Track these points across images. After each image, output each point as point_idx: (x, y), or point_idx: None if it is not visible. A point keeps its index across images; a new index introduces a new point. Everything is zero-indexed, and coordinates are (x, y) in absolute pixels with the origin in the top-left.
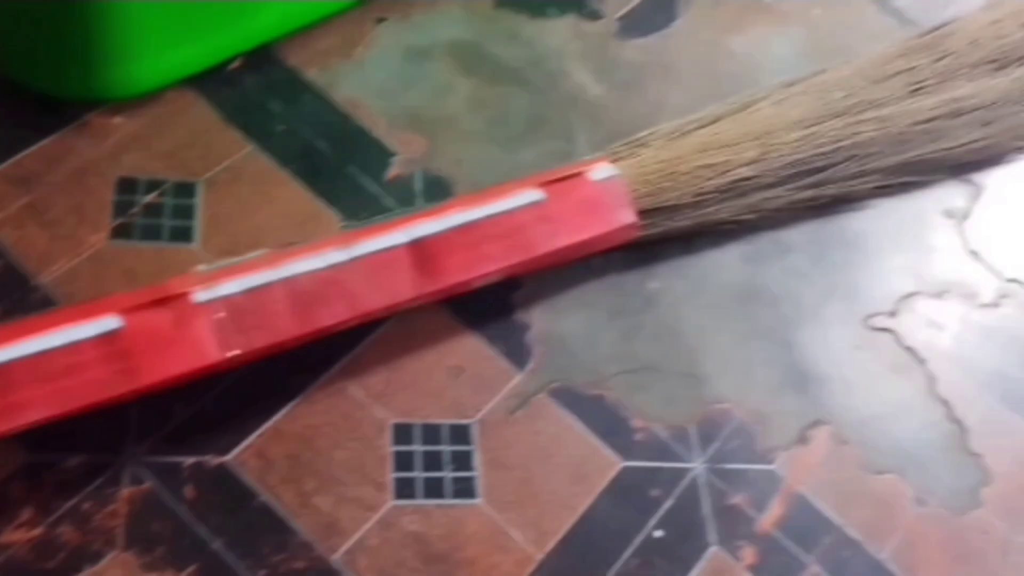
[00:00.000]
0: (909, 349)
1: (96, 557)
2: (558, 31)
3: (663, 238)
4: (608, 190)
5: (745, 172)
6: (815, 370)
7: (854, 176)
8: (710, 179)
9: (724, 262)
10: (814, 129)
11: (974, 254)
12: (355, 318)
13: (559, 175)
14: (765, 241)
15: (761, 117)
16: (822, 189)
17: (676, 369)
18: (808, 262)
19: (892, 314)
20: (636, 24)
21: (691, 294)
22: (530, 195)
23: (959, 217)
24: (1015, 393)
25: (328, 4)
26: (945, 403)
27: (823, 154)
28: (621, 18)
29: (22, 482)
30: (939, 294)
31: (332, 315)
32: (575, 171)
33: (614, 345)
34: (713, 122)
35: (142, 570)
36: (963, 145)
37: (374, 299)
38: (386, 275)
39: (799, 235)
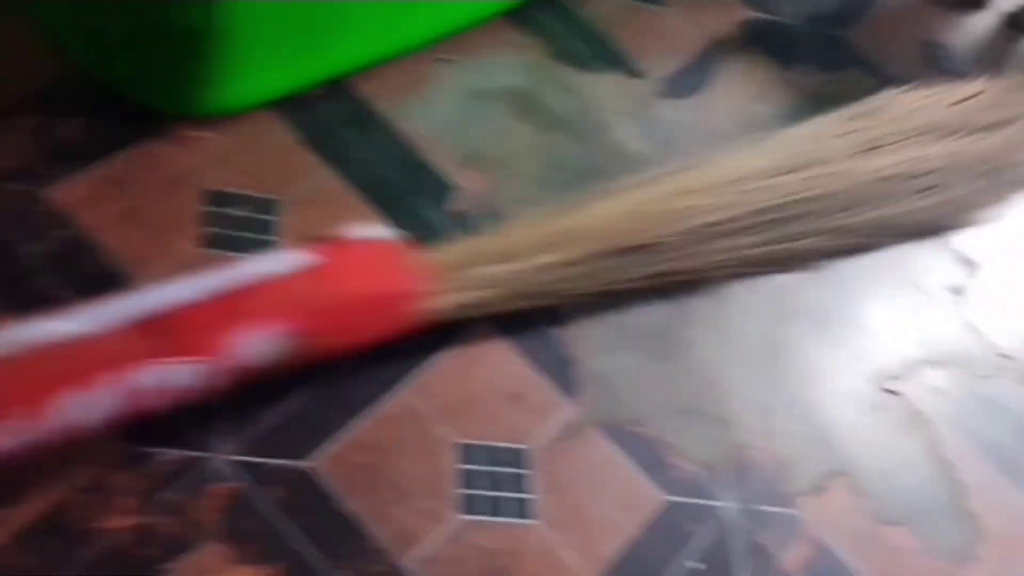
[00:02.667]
0: (916, 412)
1: (192, 547)
2: (604, 86)
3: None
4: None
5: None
6: (836, 425)
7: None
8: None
9: (753, 315)
10: (772, 181)
11: (971, 327)
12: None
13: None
14: (790, 297)
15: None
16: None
17: (710, 412)
18: (821, 321)
19: (900, 378)
20: (675, 86)
21: (723, 343)
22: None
23: (956, 291)
24: (1009, 460)
25: (404, 40)
26: (947, 464)
27: (779, 206)
28: (662, 79)
29: (125, 473)
30: (942, 363)
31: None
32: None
33: (655, 385)
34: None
35: (235, 562)
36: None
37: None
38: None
39: (817, 293)
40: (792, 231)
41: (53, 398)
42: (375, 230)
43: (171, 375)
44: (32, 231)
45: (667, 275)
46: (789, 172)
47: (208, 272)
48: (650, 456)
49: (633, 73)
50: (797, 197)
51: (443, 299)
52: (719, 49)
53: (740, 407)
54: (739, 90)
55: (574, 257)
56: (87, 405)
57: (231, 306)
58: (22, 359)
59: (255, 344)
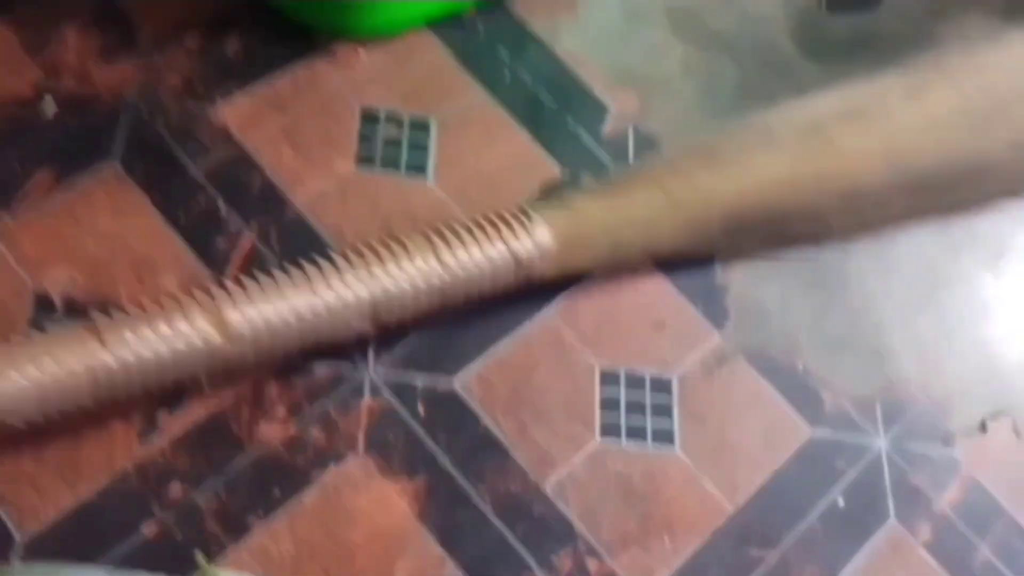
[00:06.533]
0: None
1: (339, 458)
2: (769, 2)
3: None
4: None
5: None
6: (1001, 363)
7: None
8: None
9: (919, 249)
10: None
11: None
12: None
13: None
14: (960, 231)
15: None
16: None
17: (866, 346)
18: (994, 252)
19: None
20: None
21: (884, 276)
22: None
23: None
24: None
25: None
26: None
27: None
28: None
29: (278, 383)
30: None
31: None
32: None
33: (808, 316)
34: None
35: (379, 474)
36: None
37: None
38: None
39: (991, 226)
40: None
41: None
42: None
43: None
44: (198, 147)
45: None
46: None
47: None
48: (799, 388)
49: None
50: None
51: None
52: None
53: (898, 341)
54: (915, 2)
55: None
56: None
57: None
58: None
59: None
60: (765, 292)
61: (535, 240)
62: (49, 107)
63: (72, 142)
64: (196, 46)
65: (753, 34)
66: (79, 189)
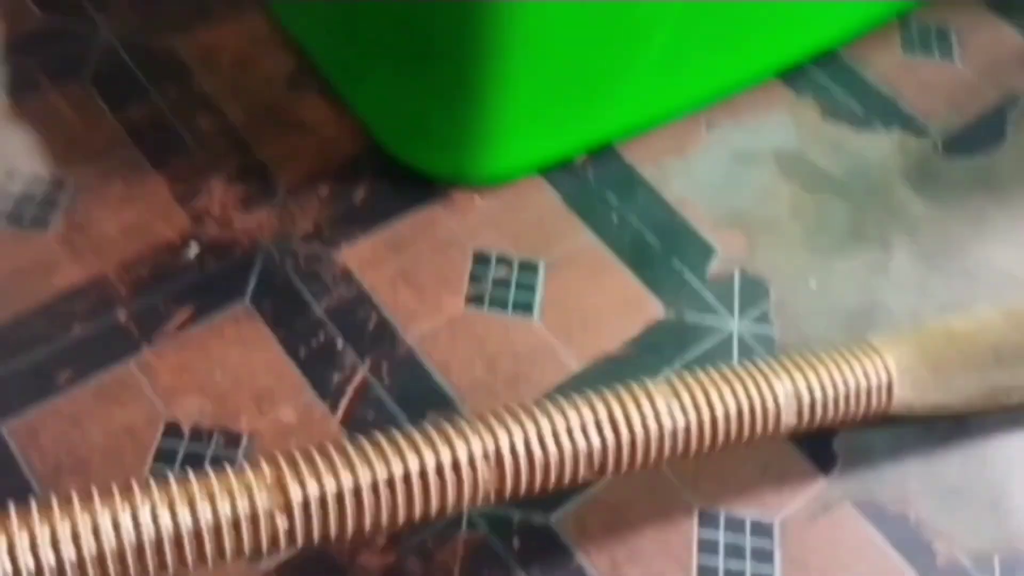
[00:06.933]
0: None
1: None
2: (882, 145)
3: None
4: None
5: None
6: None
7: None
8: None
9: None
10: None
11: None
12: None
13: None
14: None
15: None
16: None
17: (983, 496)
18: None
19: None
20: (962, 143)
21: (1003, 422)
22: None
23: None
24: None
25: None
26: None
27: None
28: (947, 136)
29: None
30: None
31: None
32: None
33: (920, 463)
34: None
35: None
36: None
37: None
38: None
39: None
40: None
41: None
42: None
43: None
44: (321, 287)
45: None
46: None
47: None
48: (910, 539)
49: (914, 131)
50: None
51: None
52: (1014, 104)
53: (1019, 492)
54: None
55: None
56: None
57: None
58: None
59: None
60: (874, 435)
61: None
62: (192, 251)
63: (210, 283)
64: (327, 194)
65: (865, 176)
66: (213, 325)
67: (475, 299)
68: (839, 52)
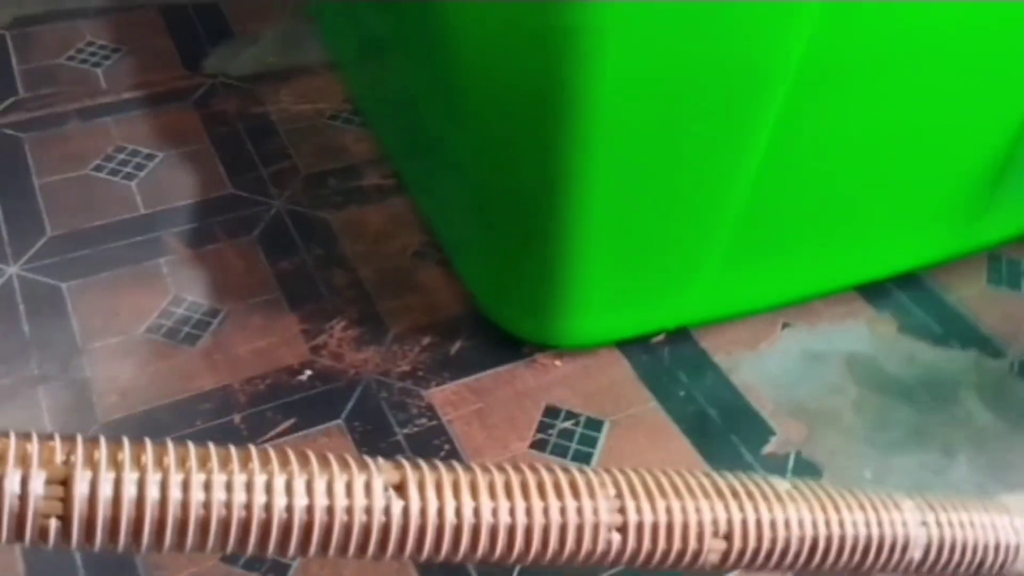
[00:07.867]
0: None
1: None
2: (956, 360)
3: None
4: None
5: None
6: None
7: None
8: None
9: None
10: None
11: None
12: None
13: None
14: None
15: None
16: None
17: None
18: None
19: None
20: None
21: None
22: None
23: None
24: None
25: (751, 303)
26: None
27: None
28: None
29: None
30: None
31: None
32: None
33: None
34: None
35: None
36: None
37: None
38: None
39: None
40: None
41: None
42: None
43: None
44: (407, 417)
45: None
46: None
47: None
48: None
49: (990, 352)
50: None
51: None
52: None
53: None
54: None
55: None
56: None
57: None
58: None
59: None
60: None
61: None
62: (305, 374)
63: (314, 403)
64: (428, 344)
65: (934, 385)
66: (308, 436)
67: (539, 444)
68: (921, 275)
